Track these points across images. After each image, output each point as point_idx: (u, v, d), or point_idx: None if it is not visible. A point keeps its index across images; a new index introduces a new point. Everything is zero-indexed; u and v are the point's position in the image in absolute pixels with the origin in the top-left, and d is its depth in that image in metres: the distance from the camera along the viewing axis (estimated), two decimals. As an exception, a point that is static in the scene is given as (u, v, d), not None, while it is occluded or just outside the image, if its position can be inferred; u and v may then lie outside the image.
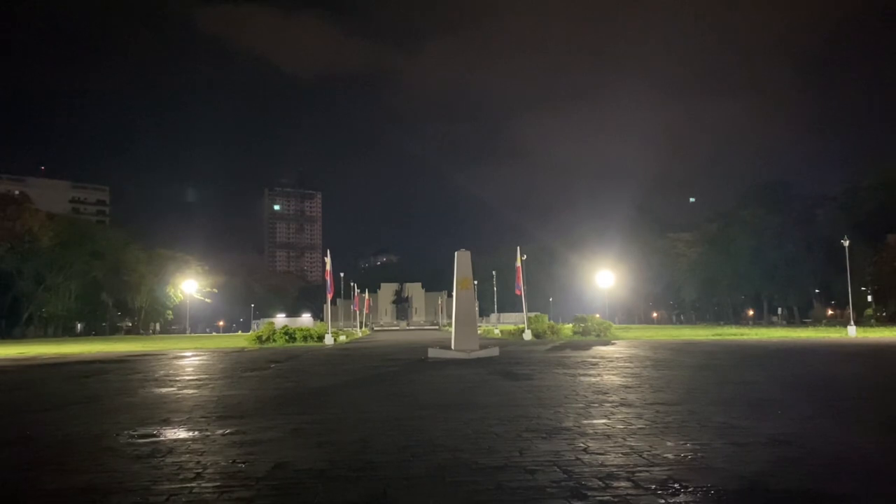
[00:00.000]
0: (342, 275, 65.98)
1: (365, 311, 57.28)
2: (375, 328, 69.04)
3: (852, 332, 31.63)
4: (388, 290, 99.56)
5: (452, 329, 17.04)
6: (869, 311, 70.16)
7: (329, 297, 30.32)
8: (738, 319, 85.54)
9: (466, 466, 4.29)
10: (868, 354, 16.96)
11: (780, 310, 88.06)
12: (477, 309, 30.04)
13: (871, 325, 50.66)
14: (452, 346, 16.62)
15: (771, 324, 75.94)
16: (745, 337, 29.18)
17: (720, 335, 31.13)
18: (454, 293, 17.38)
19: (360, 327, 47.71)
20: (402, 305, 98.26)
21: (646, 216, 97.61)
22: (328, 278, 30.53)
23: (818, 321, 74.73)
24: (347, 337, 34.84)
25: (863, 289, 70.85)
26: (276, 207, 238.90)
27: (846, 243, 37.98)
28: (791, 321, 79.73)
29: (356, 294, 53.29)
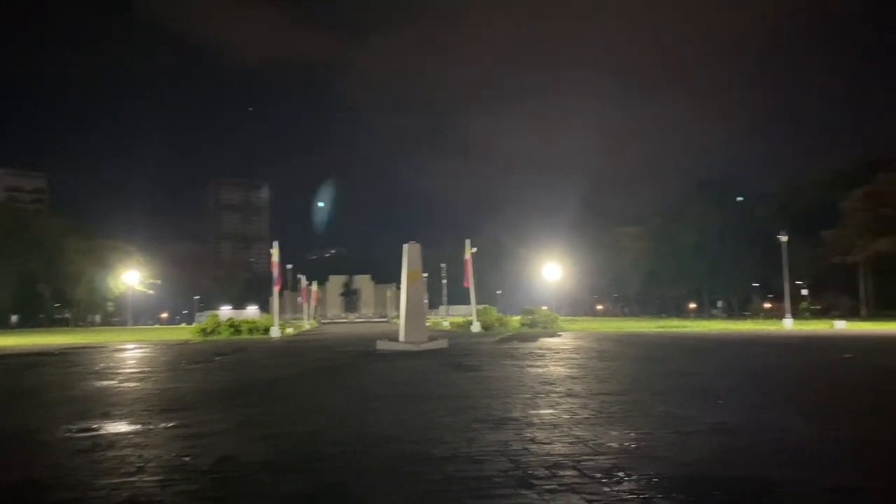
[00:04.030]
0: (290, 266, 65.25)
1: (313, 304, 56.71)
2: (324, 321, 68.47)
3: (788, 325, 32.73)
4: (336, 282, 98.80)
5: (401, 321, 17.02)
6: (804, 305, 72.61)
7: (276, 289, 29.90)
8: (680, 312, 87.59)
9: (415, 458, 4.30)
10: (802, 346, 17.58)
11: (720, 303, 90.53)
12: (426, 301, 30.08)
13: (806, 318, 52.50)
14: (401, 339, 16.60)
15: (711, 316, 78.03)
16: (686, 329, 29.92)
17: (663, 327, 31.84)
18: (403, 286, 17.35)
19: (308, 320, 47.26)
20: (350, 298, 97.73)
21: (592, 211, 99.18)
22: (275, 270, 30.10)
23: (756, 314, 77.18)
24: (295, 329, 34.47)
25: (799, 283, 73.32)
26: (223, 197, 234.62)
27: (784, 239, 39.24)
28: (731, 314, 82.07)
29: (304, 286, 52.73)
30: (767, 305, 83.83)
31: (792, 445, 4.62)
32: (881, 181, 64.35)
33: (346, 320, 77.53)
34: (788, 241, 39.40)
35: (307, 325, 43.07)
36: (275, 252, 29.68)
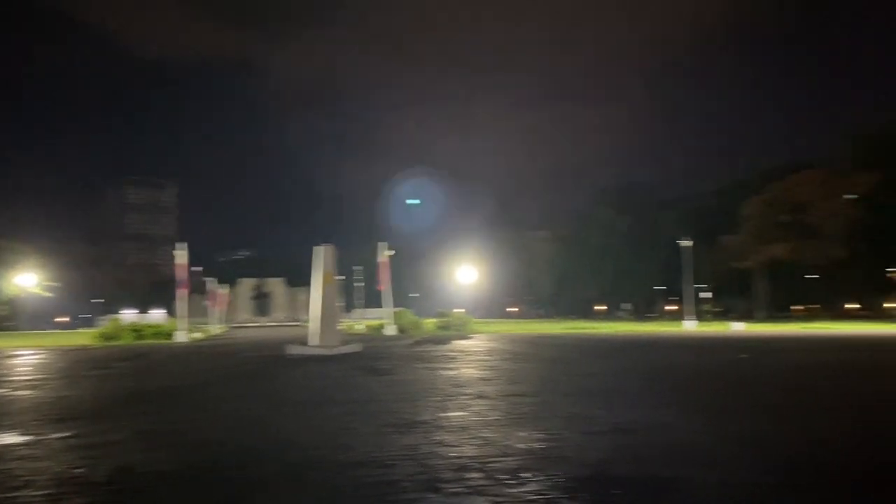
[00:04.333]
0: (198, 268, 63.29)
1: (222, 307, 55.21)
2: (233, 325, 66.71)
3: (689, 326, 34.17)
4: (247, 285, 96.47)
5: (314, 325, 16.77)
6: (705, 307, 76.00)
7: (182, 291, 28.92)
8: (589, 314, 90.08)
9: (323, 464, 4.23)
10: (702, 346, 18.39)
11: (627, 305, 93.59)
12: (340, 305, 29.77)
13: (706, 320, 54.94)
14: (313, 343, 16.35)
15: (618, 318, 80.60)
16: (595, 330, 30.78)
17: (573, 329, 32.65)
18: (316, 288, 17.10)
19: (217, 324, 45.96)
20: (262, 301, 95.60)
21: (506, 214, 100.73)
22: (182, 272, 29.12)
23: (660, 316, 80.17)
24: (203, 334, 33.46)
25: (700, 286, 76.58)
26: (127, 196, 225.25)
27: (686, 244, 40.94)
28: (637, 315, 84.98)
29: (213, 289, 51.22)
30: (670, 307, 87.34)
31: (689, 444, 4.80)
32: (775, 190, 68.16)
33: (257, 324, 75.80)
34: (689, 246, 41.14)
35: (216, 329, 41.89)
36: (180, 253, 28.70)
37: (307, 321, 17.23)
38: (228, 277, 71.14)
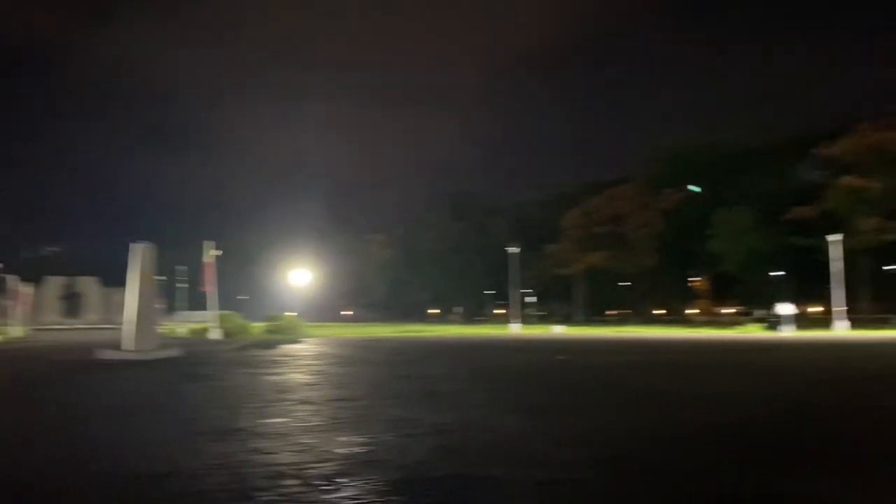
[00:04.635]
0: (-2, 266, 57.17)
1: (26, 308, 50.30)
2: (38, 327, 61.01)
3: (515, 329, 35.71)
4: (55, 283, 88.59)
5: (129, 327, 15.69)
6: (530, 311, 79.78)
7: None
8: (422, 317, 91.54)
9: (129, 476, 3.94)
10: (525, 348, 19.28)
11: (458, 309, 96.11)
12: (162, 307, 28.10)
13: (531, 323, 57.71)
14: (128, 347, 15.29)
15: (450, 321, 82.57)
16: (426, 334, 31.33)
17: (405, 332, 33.04)
18: (132, 288, 16.02)
19: (18, 326, 41.80)
20: (72, 302, 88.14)
21: (340, 217, 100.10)
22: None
23: (489, 319, 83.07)
24: (2, 336, 30.29)
25: (526, 291, 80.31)
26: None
27: (513, 251, 42.79)
28: (467, 319, 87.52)
29: (14, 287, 46.52)
30: (499, 311, 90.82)
31: (506, 443, 4.99)
32: (593, 202, 73.26)
33: (66, 326, 69.77)
34: (517, 253, 43.06)
35: (17, 331, 38.08)
36: (-24, 249, 25.83)
37: (123, 323, 16.07)
38: (34, 275, 64.87)
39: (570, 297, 80.00)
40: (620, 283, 79.69)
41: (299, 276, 58.37)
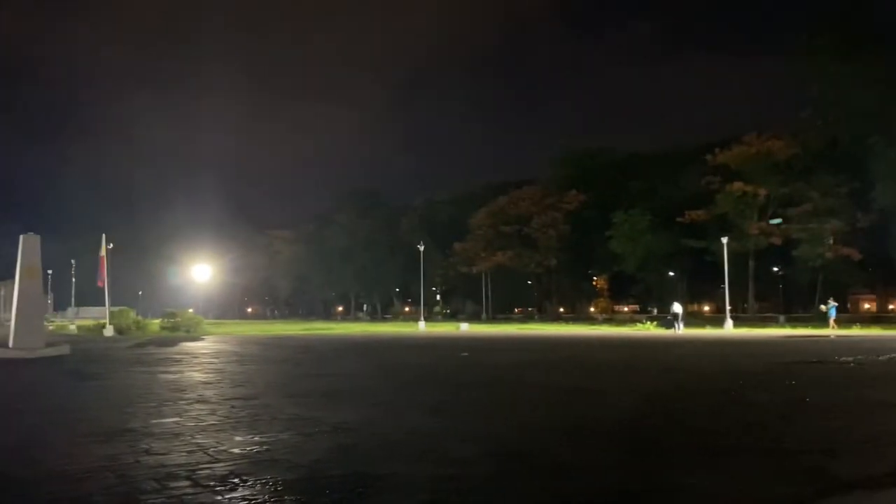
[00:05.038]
0: None
1: None
2: None
3: (422, 327, 35.86)
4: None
5: (13, 324, 14.80)
6: (437, 309, 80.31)
7: None
8: (328, 315, 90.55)
9: (5, 480, 3.73)
10: (430, 345, 19.41)
11: (365, 306, 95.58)
12: (51, 302, 26.55)
13: (439, 321, 58.09)
14: (11, 344, 14.41)
15: (357, 319, 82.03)
16: (332, 331, 31.02)
17: (310, 330, 32.59)
18: (17, 283, 15.11)
19: None
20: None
21: (243, 212, 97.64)
22: None
23: (396, 317, 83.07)
24: None
25: (434, 289, 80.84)
26: None
27: (422, 248, 42.96)
28: (374, 317, 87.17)
29: None
30: (407, 308, 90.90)
31: (406, 440, 5.01)
32: (500, 203, 74.49)
33: (-58, 323, 64.83)
34: (426, 251, 43.26)
35: None
36: None
37: (8, 319, 15.14)
38: None
39: (477, 295, 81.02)
40: (527, 282, 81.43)
41: (200, 272, 56.66)
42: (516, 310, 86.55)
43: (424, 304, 43.91)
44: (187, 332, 28.06)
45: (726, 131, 60.78)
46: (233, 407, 6.50)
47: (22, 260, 15.07)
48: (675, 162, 64.20)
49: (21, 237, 15.25)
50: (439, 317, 72.57)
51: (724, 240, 43.64)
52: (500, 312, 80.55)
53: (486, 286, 78.24)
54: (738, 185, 55.15)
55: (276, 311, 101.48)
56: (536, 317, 75.72)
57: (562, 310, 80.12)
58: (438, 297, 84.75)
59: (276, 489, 3.53)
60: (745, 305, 61.87)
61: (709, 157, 57.82)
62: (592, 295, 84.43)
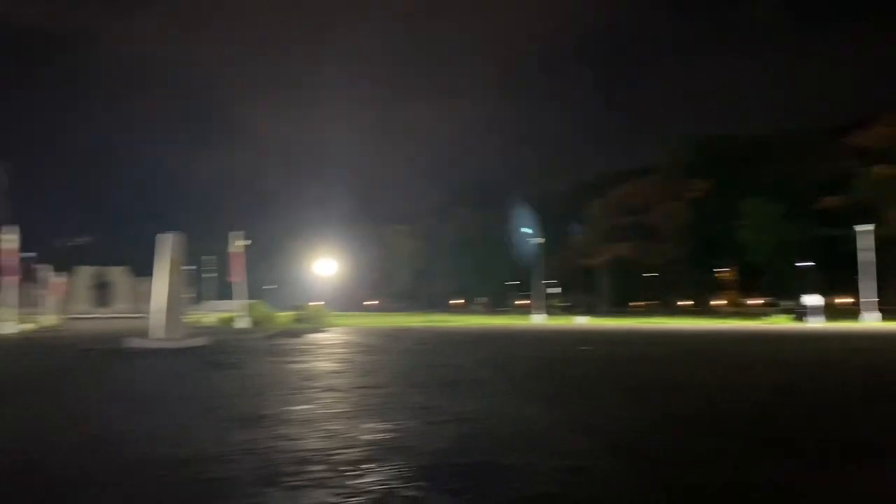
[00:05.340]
0: (31, 255, 58.27)
1: (58, 297, 51.25)
2: (70, 316, 62.12)
3: (538, 320, 35.64)
4: (85, 273, 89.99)
5: (157, 316, 15.94)
6: (553, 302, 79.55)
7: (10, 280, 26.55)
8: (446, 307, 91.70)
9: (156, 461, 4.02)
10: (548, 338, 19.25)
11: (481, 299, 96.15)
12: (187, 295, 28.43)
13: (554, 314, 57.60)
14: (155, 335, 15.54)
15: (473, 312, 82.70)
16: (450, 324, 31.39)
17: (428, 322, 33.14)
18: (160, 278, 16.25)
19: (52, 314, 42.62)
20: (102, 291, 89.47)
21: (365, 207, 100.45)
22: (10, 258, 26.75)
23: (512, 310, 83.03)
24: (35, 325, 30.91)
25: (549, 282, 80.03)
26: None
27: (536, 241, 42.65)
28: (491, 309, 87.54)
29: (47, 277, 47.48)
30: (522, 302, 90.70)
31: (527, 431, 5.01)
32: (618, 193, 72.68)
33: (97, 315, 70.88)
34: (540, 244, 42.92)
35: (49, 320, 38.83)
36: (9, 238, 26.35)
37: (151, 312, 16.34)
38: (66, 265, 66.12)
39: (594, 288, 79.65)
40: (646, 275, 79.12)
41: (325, 266, 58.89)
42: (636, 303, 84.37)
43: (540, 298, 43.57)
44: (314, 323, 29.23)
45: (858, 113, 56.60)
46: (361, 395, 6.72)
47: (163, 256, 16.20)
48: (806, 146, 60.44)
49: (163, 236, 16.39)
50: (555, 310, 71.83)
51: (863, 227, 40.67)
52: (619, 306, 78.78)
53: (604, 279, 76.73)
54: (880, 168, 51.15)
55: (396, 304, 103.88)
56: (658, 310, 73.50)
57: (685, 303, 77.31)
58: (554, 290, 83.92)
59: (404, 475, 3.63)
60: (888, 297, 57.45)
61: (845, 139, 53.98)
62: (717, 287, 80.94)
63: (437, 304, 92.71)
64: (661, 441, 4.70)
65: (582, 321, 36.77)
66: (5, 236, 26.44)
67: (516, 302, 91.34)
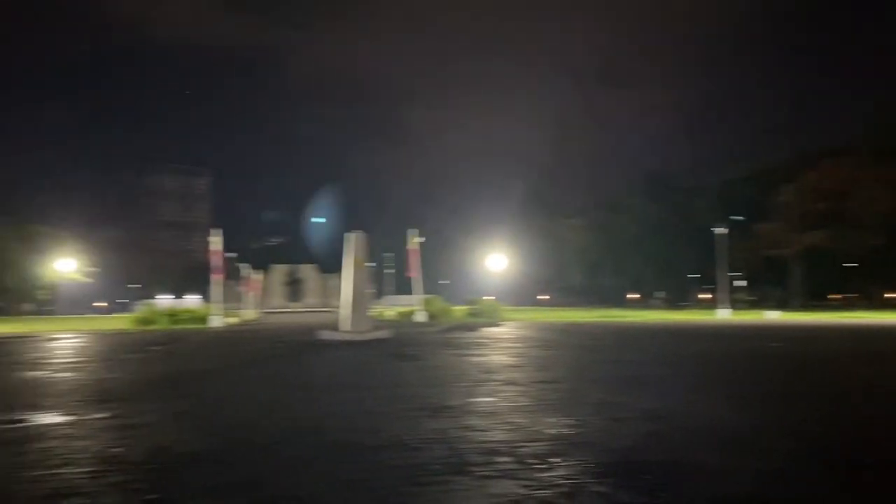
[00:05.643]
0: (233, 255, 64.06)
1: (256, 293, 55.91)
2: (266, 310, 67.53)
3: (723, 315, 33.75)
4: (279, 271, 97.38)
5: (344, 311, 16.93)
6: (739, 296, 74.98)
7: (217, 277, 29.38)
8: (621, 302, 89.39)
9: (350, 446, 4.29)
10: (735, 335, 18.17)
11: (660, 293, 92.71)
12: (370, 291, 29.92)
13: (741, 308, 54.23)
14: (344, 328, 16.52)
15: (651, 306, 79.94)
16: (626, 319, 30.57)
17: (604, 317, 32.48)
18: (347, 274, 17.24)
19: (250, 309, 46.57)
20: (294, 287, 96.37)
21: (536, 202, 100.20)
22: (216, 258, 29.58)
23: (693, 304, 79.24)
24: (237, 319, 33.94)
25: (734, 275, 75.47)
26: (162, 183, 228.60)
27: (720, 231, 40.39)
28: (669, 304, 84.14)
29: (246, 275, 51.93)
30: (704, 296, 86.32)
31: (719, 431, 4.78)
32: (810, 176, 66.77)
33: (289, 310, 76.43)
34: (724, 234, 40.58)
35: (250, 314, 42.45)
36: (215, 240, 29.13)
37: (337, 307, 17.40)
38: (261, 263, 72.00)
39: (784, 280, 74.09)
40: (844, 265, 72.28)
41: (496, 261, 59.56)
42: (833, 296, 77.47)
43: (724, 291, 41.20)
44: (488, 318, 29.69)
45: None
46: (541, 390, 6.73)
47: (350, 254, 17.17)
48: None
49: (349, 234, 17.38)
50: (741, 304, 67.63)
51: None
52: (814, 299, 72.68)
53: (796, 270, 71.10)
54: None
55: (569, 299, 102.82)
56: (858, 304, 67.00)
57: (891, 295, 69.80)
58: (740, 283, 78.99)
59: (593, 471, 3.59)
60: None
61: None
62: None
63: (612, 299, 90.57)
64: (863, 444, 4.30)
65: (772, 316, 34.36)
66: (212, 238, 29.26)
67: (699, 296, 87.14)
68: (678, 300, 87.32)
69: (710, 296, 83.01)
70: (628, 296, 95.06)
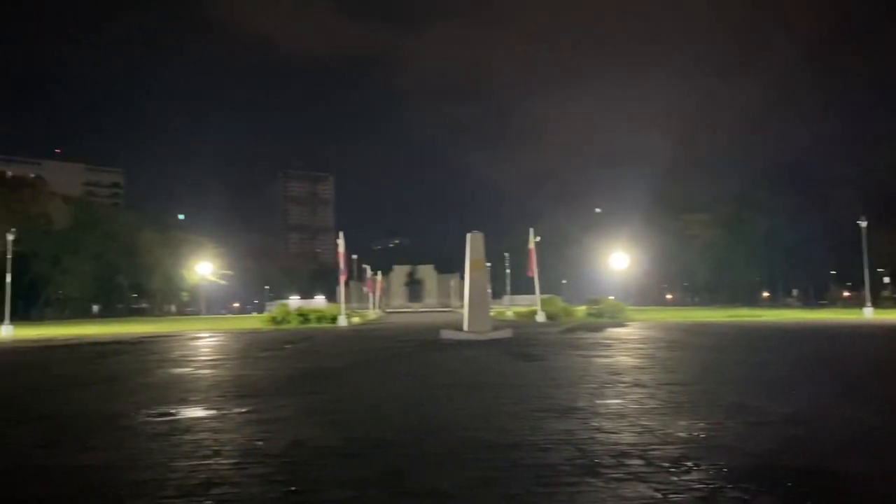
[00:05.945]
0: (355, 256, 66.16)
1: (378, 293, 57.45)
2: (388, 310, 69.23)
3: (868, 314, 31.43)
4: (400, 271, 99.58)
5: (465, 311, 17.08)
6: (886, 294, 69.58)
7: (342, 278, 30.43)
8: (752, 301, 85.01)
9: (480, 444, 4.34)
10: (883, 336, 16.87)
11: (795, 291, 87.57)
12: (490, 291, 30.02)
13: (888, 307, 50.32)
14: (465, 328, 16.67)
15: (786, 305, 75.62)
16: (759, 318, 29.08)
17: (734, 316, 31.05)
18: (467, 275, 17.40)
19: (374, 309, 47.89)
20: (414, 287, 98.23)
21: (660, 198, 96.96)
22: (341, 260, 30.66)
23: (834, 303, 74.34)
24: (361, 318, 34.99)
25: (879, 270, 70.09)
26: (290, 189, 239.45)
27: (863, 224, 37.65)
28: (807, 303, 79.28)
29: (369, 276, 53.47)
30: (846, 294, 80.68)
31: (863, 438, 4.47)
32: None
33: (410, 310, 78.01)
34: (867, 227, 37.77)
35: (372, 314, 43.68)
36: (341, 243, 30.19)
37: (457, 306, 17.61)
38: (383, 265, 73.87)
39: (938, 276, 67.97)
40: None
41: (618, 260, 58.16)
42: None
43: (869, 289, 38.28)
44: (611, 318, 29.04)
45: None
46: (670, 392, 6.54)
47: (470, 255, 17.31)
48: None
49: (468, 235, 17.52)
50: (887, 302, 62.67)
51: None
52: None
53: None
54: None
55: (695, 298, 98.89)
56: None
57: None
58: (887, 279, 73.21)
59: (730, 476, 3.47)
60: None
61: None
62: None
63: (741, 298, 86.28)
64: None
65: (924, 315, 31.60)
66: (339, 241, 30.34)
67: (840, 294, 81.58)
68: (816, 298, 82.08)
69: (851, 294, 77.59)
70: (759, 294, 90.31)
